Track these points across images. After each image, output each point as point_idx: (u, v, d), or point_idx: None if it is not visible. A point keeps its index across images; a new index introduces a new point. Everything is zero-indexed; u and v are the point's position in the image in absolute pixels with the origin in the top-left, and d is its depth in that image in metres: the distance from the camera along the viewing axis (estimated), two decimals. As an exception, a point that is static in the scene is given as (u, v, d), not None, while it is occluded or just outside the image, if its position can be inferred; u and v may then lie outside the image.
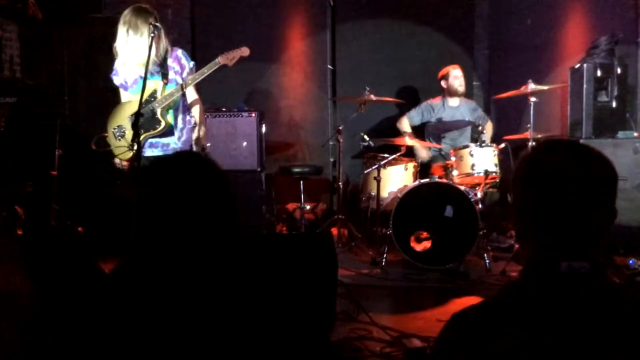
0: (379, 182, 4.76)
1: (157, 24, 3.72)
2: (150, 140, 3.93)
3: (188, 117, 4.10)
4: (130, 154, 3.84)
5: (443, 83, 5.58)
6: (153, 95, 3.90)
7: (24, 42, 5.56)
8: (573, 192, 1.14)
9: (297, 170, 5.51)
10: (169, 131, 3.94)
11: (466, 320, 1.16)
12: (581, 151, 1.19)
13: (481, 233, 4.46)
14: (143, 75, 3.60)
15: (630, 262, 4.04)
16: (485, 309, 1.16)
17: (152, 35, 3.72)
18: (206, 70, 3.91)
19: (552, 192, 1.15)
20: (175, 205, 1.39)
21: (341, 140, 5.13)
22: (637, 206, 4.49)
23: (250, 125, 5.39)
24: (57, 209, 4.60)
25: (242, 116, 5.43)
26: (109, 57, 3.99)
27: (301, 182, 5.42)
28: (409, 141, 4.92)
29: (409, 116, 5.68)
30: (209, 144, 5.27)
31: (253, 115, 5.43)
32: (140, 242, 1.42)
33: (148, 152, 3.95)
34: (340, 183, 5.15)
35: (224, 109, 5.46)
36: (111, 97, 4.12)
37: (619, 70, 5.08)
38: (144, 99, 3.80)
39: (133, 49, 3.82)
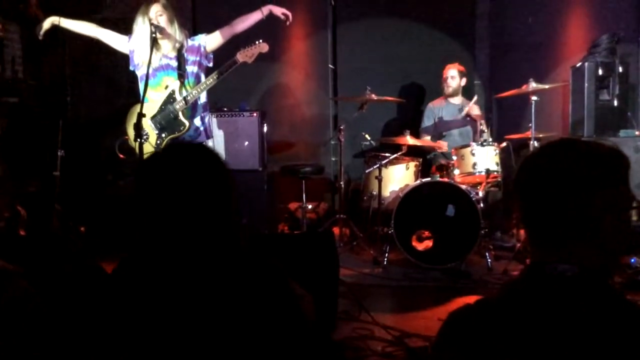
0: (380, 181, 4.76)
1: (155, 24, 3.77)
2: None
3: (204, 114, 4.12)
4: None
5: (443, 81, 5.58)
6: (171, 96, 3.89)
7: (26, 43, 5.57)
8: (548, 194, 1.13)
9: (298, 169, 5.51)
10: (192, 131, 3.98)
11: (462, 319, 1.16)
12: (562, 151, 1.16)
13: (483, 232, 4.45)
14: (150, 70, 3.64)
15: (632, 260, 4.03)
16: (481, 308, 1.17)
17: (153, 35, 3.76)
18: (224, 71, 3.91)
19: (531, 196, 1.16)
20: (173, 199, 1.32)
21: (342, 139, 5.12)
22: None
23: (252, 124, 5.39)
24: (60, 210, 4.60)
25: (243, 116, 5.43)
26: (111, 58, 4.01)
27: (303, 181, 5.42)
28: (410, 140, 4.92)
29: (424, 130, 5.64)
30: (210, 143, 5.29)
31: (255, 115, 5.43)
32: (141, 238, 1.37)
33: None
34: (341, 182, 5.15)
35: (225, 109, 5.46)
36: (113, 97, 4.14)
37: (620, 69, 5.08)
38: (162, 102, 3.87)
39: (134, 43, 3.91)
